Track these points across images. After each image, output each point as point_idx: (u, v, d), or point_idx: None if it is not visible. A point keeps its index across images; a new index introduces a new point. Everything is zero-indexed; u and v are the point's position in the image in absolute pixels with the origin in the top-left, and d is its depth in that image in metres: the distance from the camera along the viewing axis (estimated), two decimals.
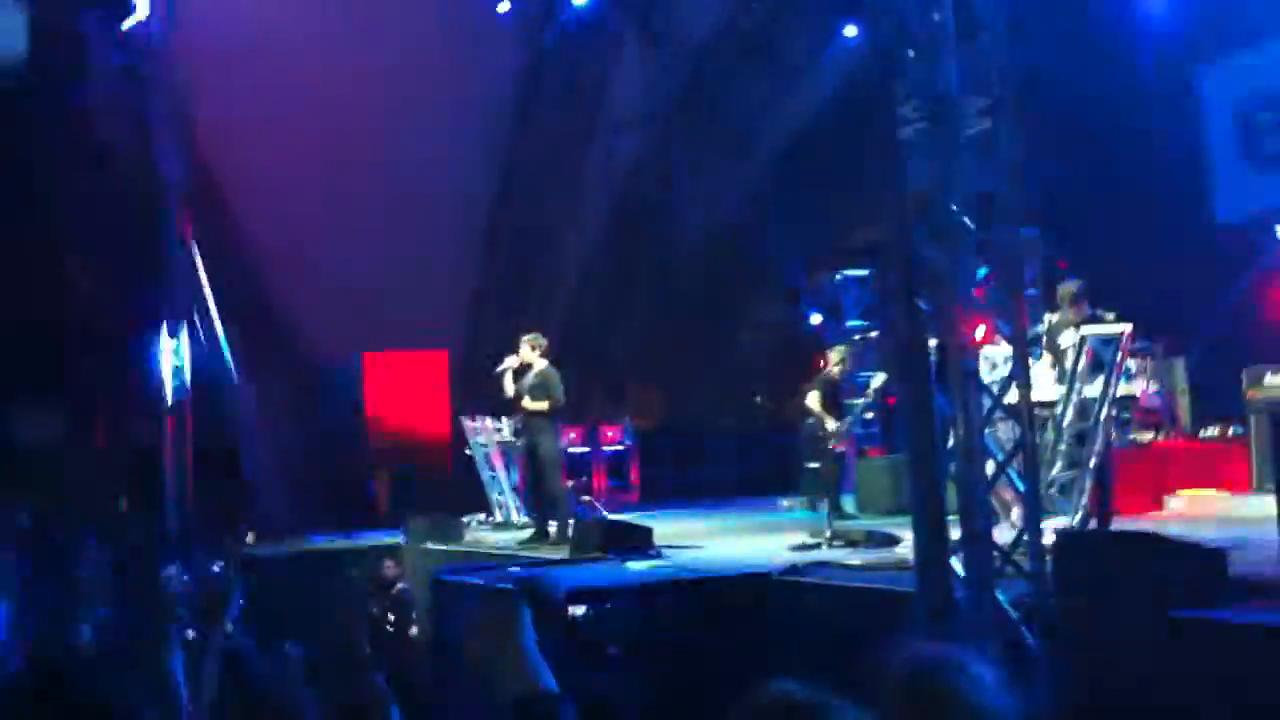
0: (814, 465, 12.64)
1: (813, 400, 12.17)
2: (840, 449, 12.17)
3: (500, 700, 2.55)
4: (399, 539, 12.07)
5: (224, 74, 15.30)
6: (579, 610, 5.70)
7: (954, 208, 5.80)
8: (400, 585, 11.34)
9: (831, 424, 11.78)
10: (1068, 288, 8.69)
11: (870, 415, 13.79)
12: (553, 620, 5.31)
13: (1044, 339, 8.72)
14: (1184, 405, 11.96)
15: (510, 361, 11.52)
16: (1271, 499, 6.88)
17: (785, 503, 13.91)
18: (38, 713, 2.64)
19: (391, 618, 11.08)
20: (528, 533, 11.63)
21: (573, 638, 5.55)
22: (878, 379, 11.91)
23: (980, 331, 6.27)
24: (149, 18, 14.94)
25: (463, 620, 7.39)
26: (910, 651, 2.37)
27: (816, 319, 16.58)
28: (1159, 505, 10.22)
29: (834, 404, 12.17)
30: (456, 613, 8.67)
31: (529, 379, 11.26)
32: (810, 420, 12.38)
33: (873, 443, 14.64)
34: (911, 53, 5.65)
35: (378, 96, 15.62)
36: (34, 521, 16.71)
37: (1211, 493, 10.49)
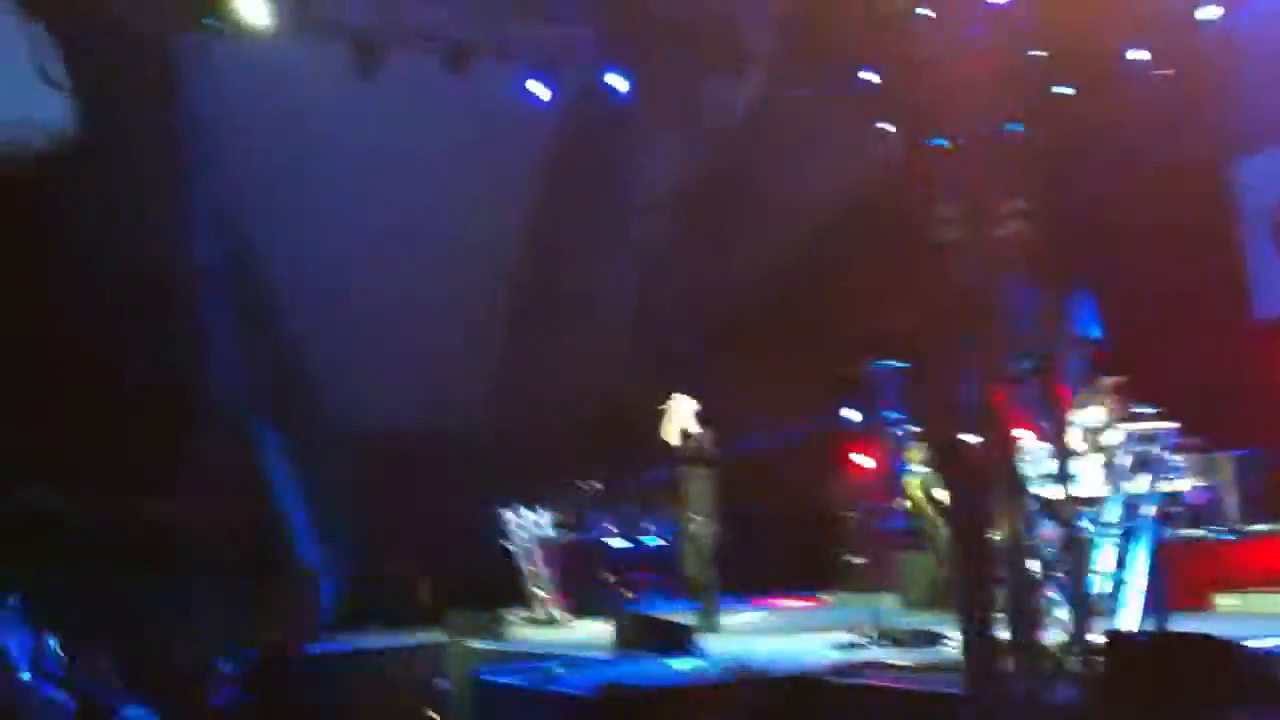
0: (860, 560, 12.51)
1: (917, 492, 11.72)
2: None
3: None
4: (443, 636, 12.00)
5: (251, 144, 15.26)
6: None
7: (991, 306, 5.85)
8: (439, 682, 11.27)
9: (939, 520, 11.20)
10: (1106, 384, 8.67)
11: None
12: None
13: (1086, 434, 8.66)
14: (1233, 502, 11.79)
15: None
16: None
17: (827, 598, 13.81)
18: None
19: (434, 716, 11.02)
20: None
21: None
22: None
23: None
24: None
25: None
26: None
27: (854, 415, 16.10)
28: (1209, 603, 10.04)
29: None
30: (499, 712, 8.62)
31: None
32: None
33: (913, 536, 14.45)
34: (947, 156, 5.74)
35: (405, 172, 15.66)
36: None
37: (1263, 592, 10.30)
